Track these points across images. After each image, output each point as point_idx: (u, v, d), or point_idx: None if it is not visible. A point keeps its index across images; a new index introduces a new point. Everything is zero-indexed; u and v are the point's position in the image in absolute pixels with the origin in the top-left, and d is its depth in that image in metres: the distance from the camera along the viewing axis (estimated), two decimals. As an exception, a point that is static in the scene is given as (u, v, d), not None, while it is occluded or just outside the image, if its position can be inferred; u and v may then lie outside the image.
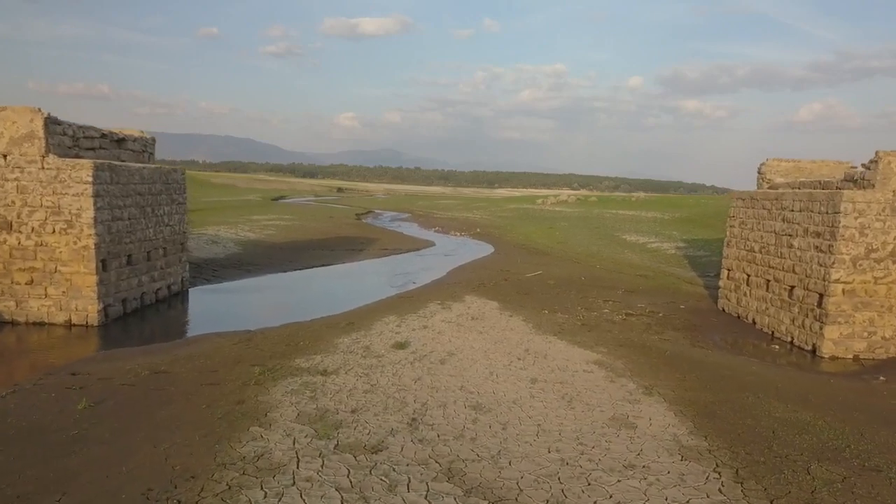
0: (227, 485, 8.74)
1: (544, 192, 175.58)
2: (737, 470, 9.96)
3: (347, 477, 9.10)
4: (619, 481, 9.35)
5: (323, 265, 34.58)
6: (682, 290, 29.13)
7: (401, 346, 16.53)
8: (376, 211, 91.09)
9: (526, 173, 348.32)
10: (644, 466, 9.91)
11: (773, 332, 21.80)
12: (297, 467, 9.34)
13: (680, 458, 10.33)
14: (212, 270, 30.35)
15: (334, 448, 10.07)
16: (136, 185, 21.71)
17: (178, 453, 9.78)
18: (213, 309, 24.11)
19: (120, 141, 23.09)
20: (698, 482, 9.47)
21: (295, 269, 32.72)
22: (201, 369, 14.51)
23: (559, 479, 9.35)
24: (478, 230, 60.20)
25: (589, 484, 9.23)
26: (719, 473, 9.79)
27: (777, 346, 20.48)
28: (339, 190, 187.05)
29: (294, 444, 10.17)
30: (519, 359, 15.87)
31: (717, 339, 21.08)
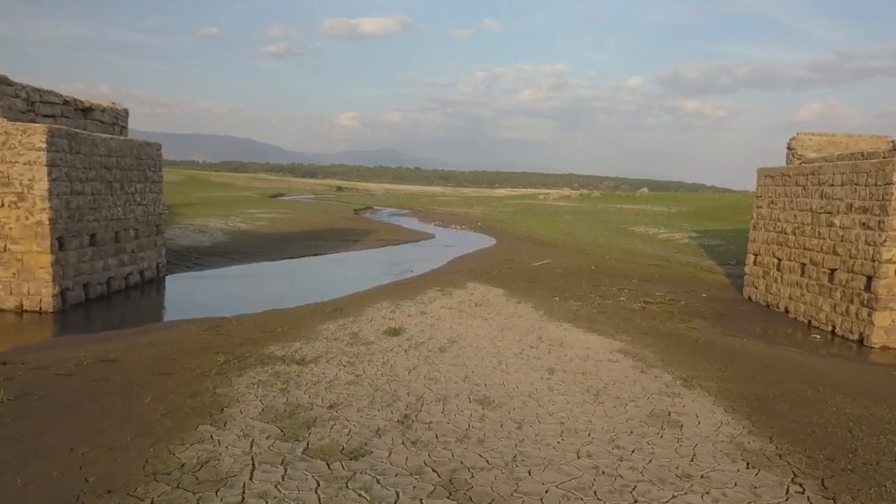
0: (151, 502, 6.45)
1: (545, 191, 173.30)
2: (822, 481, 7.66)
3: (315, 491, 6.81)
4: (674, 496, 7.06)
5: (315, 254, 32.29)
6: (702, 279, 26.82)
7: (394, 332, 14.22)
8: (375, 207, 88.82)
9: (526, 173, 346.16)
10: (703, 476, 7.60)
11: (809, 321, 19.49)
12: (251, 478, 7.04)
13: (745, 465, 8.03)
14: (194, 258, 28.06)
15: (302, 453, 7.76)
16: (102, 158, 19.42)
17: (98, 459, 7.48)
18: (189, 296, 21.82)
19: (86, 110, 20.80)
20: (777, 497, 7.17)
21: (284, 258, 30.41)
22: (158, 357, 12.20)
23: (595, 493, 7.05)
24: (479, 224, 57.91)
25: (636, 501, 6.94)
26: (801, 486, 7.49)
27: (818, 336, 18.16)
28: (339, 189, 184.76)
29: (251, 447, 7.87)
30: (532, 347, 13.57)
31: (749, 328, 18.79)
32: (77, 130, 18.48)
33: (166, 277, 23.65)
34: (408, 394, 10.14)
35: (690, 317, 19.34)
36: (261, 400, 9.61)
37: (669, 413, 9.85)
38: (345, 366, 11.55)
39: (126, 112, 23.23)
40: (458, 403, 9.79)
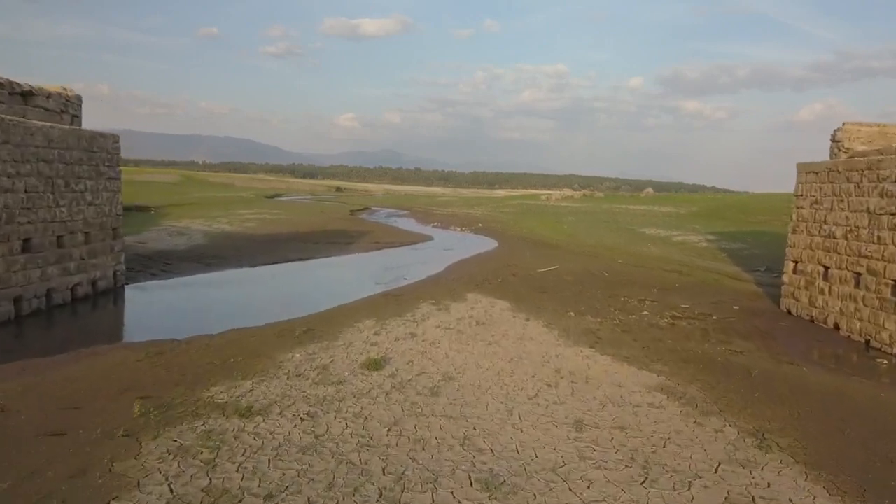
0: None
1: (547, 192, 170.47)
2: None
3: None
4: None
5: (301, 259, 29.26)
6: (729, 288, 23.82)
7: (375, 365, 11.21)
8: (373, 207, 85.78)
9: (526, 174, 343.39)
10: None
11: (867, 340, 16.47)
12: None
13: None
14: (164, 263, 25.06)
15: None
16: (40, 150, 16.44)
17: None
18: (144, 311, 18.80)
19: (25, 95, 17.79)
20: None
21: (266, 264, 27.39)
22: (60, 404, 9.21)
23: None
24: (479, 225, 54.90)
25: None
26: None
27: (883, 361, 15.16)
28: (338, 189, 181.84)
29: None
30: (550, 385, 10.58)
31: (801, 351, 15.79)
32: (5, 116, 15.49)
33: (126, 287, 20.64)
34: (384, 469, 7.15)
35: (729, 336, 16.33)
36: (170, 484, 6.63)
37: (754, 500, 6.88)
38: (302, 420, 8.55)
39: (79, 99, 20.21)
40: (454, 488, 6.80)
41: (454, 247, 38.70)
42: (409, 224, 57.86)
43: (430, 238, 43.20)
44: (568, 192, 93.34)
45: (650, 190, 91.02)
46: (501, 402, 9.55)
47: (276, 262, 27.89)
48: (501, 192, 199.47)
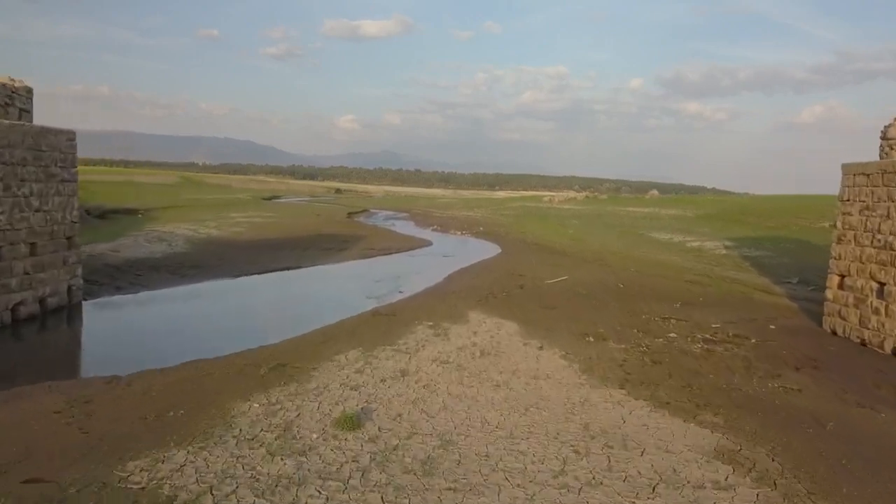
0: None
1: (549, 193, 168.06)
2: None
3: None
4: None
5: (288, 269, 26.72)
6: (759, 302, 21.28)
7: (351, 422, 8.63)
8: (371, 210, 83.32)
9: (526, 175, 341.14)
10: None
11: (938, 372, 13.97)
12: None
13: None
14: (134, 274, 22.54)
15: None
16: (-31, 148, 13.93)
17: None
18: (96, 335, 16.19)
19: (-42, 85, 15.30)
20: None
21: (249, 274, 24.85)
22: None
23: None
24: (480, 228, 52.39)
25: None
26: None
27: (966, 399, 12.64)
28: (338, 191, 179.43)
29: None
30: (578, 453, 8.06)
31: (867, 385, 13.25)
32: (-77, 108, 13.00)
33: (83, 304, 18.12)
34: None
35: (777, 366, 13.78)
36: None
37: None
38: (240, 525, 6.05)
39: (28, 91, 17.68)
40: None
41: (454, 253, 36.22)
42: (407, 227, 55.39)
43: (428, 243, 40.68)
44: (571, 193, 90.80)
45: (655, 192, 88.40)
46: (518, 486, 7.02)
47: (261, 272, 25.36)
48: (502, 194, 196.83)
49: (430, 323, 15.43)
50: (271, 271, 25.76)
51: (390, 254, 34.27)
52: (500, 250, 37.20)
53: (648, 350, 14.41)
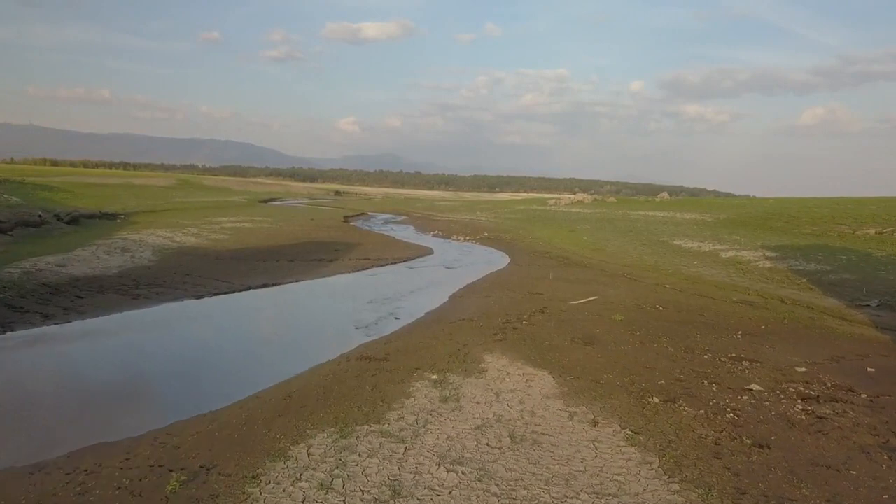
0: None
1: (546, 195, 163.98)
2: None
3: None
4: None
5: (265, 286, 22.49)
6: (840, 333, 17.04)
7: None
8: (369, 213, 79.20)
9: (527, 177, 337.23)
10: None
11: None
12: None
13: None
14: (74, 297, 18.33)
15: None
16: None
17: None
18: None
19: None
20: None
21: (217, 293, 20.62)
22: None
23: None
24: (485, 234, 48.19)
25: None
26: None
27: None
28: (337, 193, 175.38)
29: None
30: None
31: None
32: None
33: (-13, 341, 13.89)
34: None
35: (927, 446, 9.61)
36: None
37: None
38: None
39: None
40: None
41: (459, 263, 32.05)
42: (406, 232, 51.23)
43: (429, 252, 36.46)
44: (578, 196, 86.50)
45: (665, 194, 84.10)
46: None
47: (232, 291, 21.13)
48: (503, 196, 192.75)
49: (434, 376, 11.18)
50: (244, 290, 21.54)
51: (387, 264, 30.08)
52: (508, 260, 33.03)
53: (738, 419, 10.19)
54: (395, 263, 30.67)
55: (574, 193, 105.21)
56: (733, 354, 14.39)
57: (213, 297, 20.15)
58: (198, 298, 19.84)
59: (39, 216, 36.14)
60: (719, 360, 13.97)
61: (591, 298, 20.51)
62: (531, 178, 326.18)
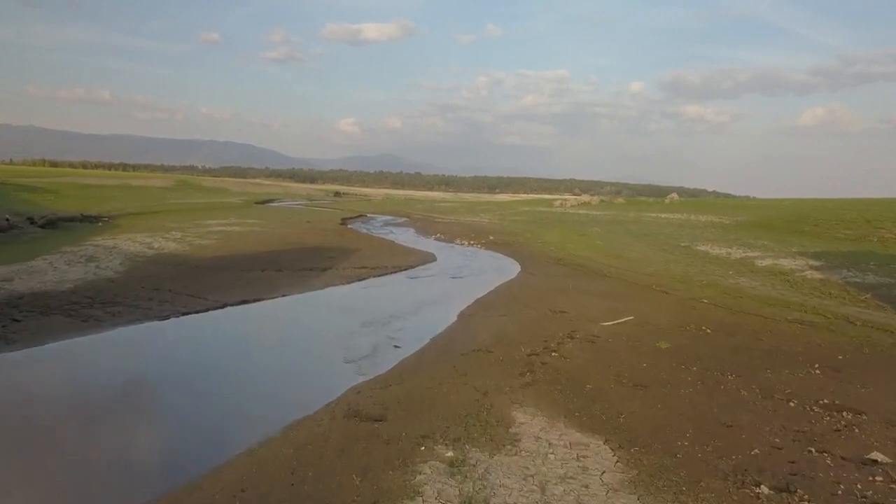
0: None
1: (548, 196, 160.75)
2: None
3: None
4: None
5: (243, 302, 19.25)
6: (937, 366, 13.89)
7: None
8: (368, 214, 75.96)
9: (527, 178, 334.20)
10: None
11: None
12: None
13: None
14: (11, 319, 15.08)
15: None
16: None
17: None
18: None
19: None
20: None
21: (186, 313, 17.37)
22: None
23: None
24: (491, 238, 44.98)
25: None
26: None
27: None
28: (337, 194, 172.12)
29: None
30: None
31: None
32: None
33: None
34: None
35: None
36: None
37: None
38: None
39: None
40: None
41: (465, 271, 28.86)
42: (407, 235, 48.03)
43: (432, 258, 33.24)
44: (585, 197, 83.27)
45: (675, 195, 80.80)
46: None
47: (204, 309, 17.89)
48: (503, 197, 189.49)
49: (450, 453, 7.95)
50: (220, 307, 18.31)
51: (386, 274, 26.87)
52: (519, 268, 29.81)
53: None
54: (395, 272, 27.46)
55: (579, 195, 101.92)
56: (825, 401, 11.20)
57: (181, 318, 16.91)
58: (161, 320, 16.59)
59: (7, 220, 32.96)
60: (810, 409, 10.78)
61: (625, 319, 17.31)
62: (531, 179, 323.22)
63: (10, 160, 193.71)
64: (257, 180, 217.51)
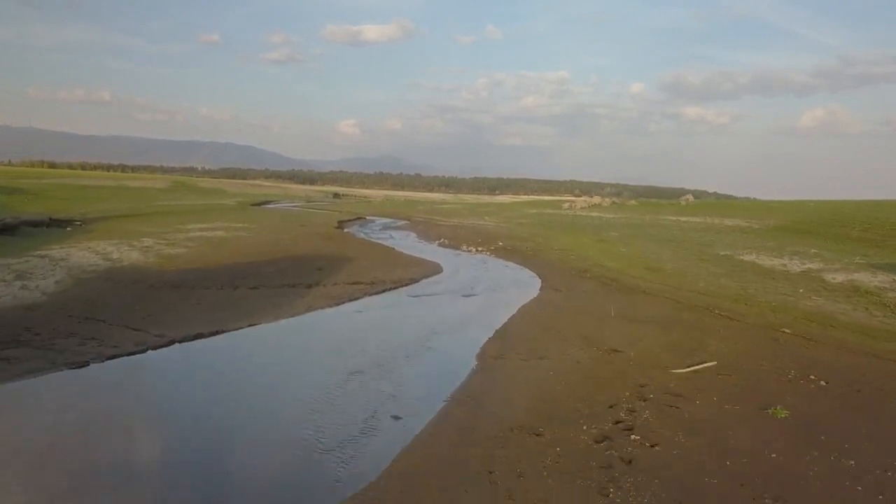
0: None
1: (552, 198, 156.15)
2: None
3: None
4: None
5: (198, 337, 14.56)
6: None
7: None
8: (367, 217, 71.31)
9: (527, 179, 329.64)
10: None
11: None
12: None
13: None
14: None
15: None
16: None
17: None
18: None
19: None
20: None
21: (115, 355, 12.73)
22: None
23: None
24: (500, 243, 40.34)
25: None
26: None
27: None
28: (336, 195, 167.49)
29: None
30: None
31: None
32: None
33: None
34: None
35: None
36: None
37: None
38: None
39: None
40: None
41: (477, 285, 24.21)
42: (408, 241, 43.38)
43: (437, 269, 28.59)
44: (595, 198, 78.64)
45: (689, 197, 76.17)
46: None
47: (139, 351, 13.22)
48: (503, 198, 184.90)
49: None
50: (164, 345, 13.66)
51: (384, 290, 22.25)
52: (540, 282, 25.17)
53: None
54: (395, 288, 22.84)
55: (590, 196, 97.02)
56: None
57: (105, 363, 12.28)
58: (77, 367, 11.96)
59: (-54, 226, 28.34)
60: None
61: (705, 365, 12.67)
62: (531, 180, 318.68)
63: (9, 161, 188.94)
64: (256, 181, 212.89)
